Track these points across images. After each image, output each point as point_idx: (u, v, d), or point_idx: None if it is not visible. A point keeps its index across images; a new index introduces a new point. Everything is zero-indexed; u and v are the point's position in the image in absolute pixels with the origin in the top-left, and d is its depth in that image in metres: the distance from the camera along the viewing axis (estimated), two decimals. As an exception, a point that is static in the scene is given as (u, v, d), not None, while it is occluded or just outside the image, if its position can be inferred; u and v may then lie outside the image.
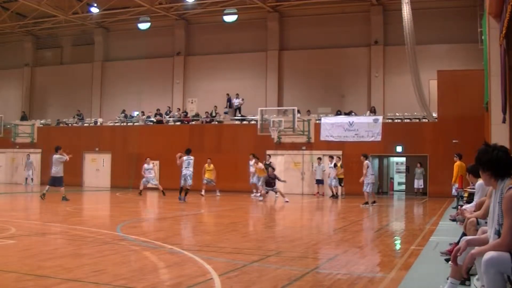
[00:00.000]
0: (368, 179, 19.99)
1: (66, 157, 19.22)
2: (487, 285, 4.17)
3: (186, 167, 20.02)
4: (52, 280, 5.98)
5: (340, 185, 25.02)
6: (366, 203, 19.79)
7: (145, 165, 24.41)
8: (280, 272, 6.84)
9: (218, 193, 24.69)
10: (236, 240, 10.36)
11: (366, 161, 20.14)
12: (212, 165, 24.52)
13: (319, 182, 26.19)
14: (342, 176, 24.84)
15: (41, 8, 32.49)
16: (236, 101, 31.34)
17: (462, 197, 14.39)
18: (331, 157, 25.48)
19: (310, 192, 27.53)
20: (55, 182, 19.09)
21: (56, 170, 19.06)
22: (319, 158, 26.24)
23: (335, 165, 24.80)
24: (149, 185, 24.40)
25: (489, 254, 4.16)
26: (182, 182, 20.02)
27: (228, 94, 33.14)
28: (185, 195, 20.01)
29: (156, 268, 7.09)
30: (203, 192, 23.69)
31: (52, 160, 19.34)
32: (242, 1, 31.53)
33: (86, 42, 38.00)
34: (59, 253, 7.93)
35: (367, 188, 19.97)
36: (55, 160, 19.20)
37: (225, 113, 32.29)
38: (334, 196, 24.58)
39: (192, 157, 20.31)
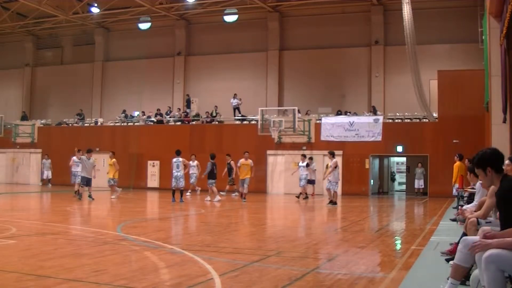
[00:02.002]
0: (335, 178, 19.76)
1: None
2: (488, 283, 4.18)
3: (176, 169, 19.88)
4: (53, 280, 5.98)
5: None
6: (332, 202, 19.55)
7: (74, 158, 22.50)
8: (281, 272, 6.84)
9: (113, 196, 21.20)
10: (236, 240, 10.37)
11: (335, 159, 19.94)
12: (113, 160, 21.49)
13: (311, 182, 24.98)
14: None
15: (41, 8, 32.48)
16: (234, 101, 31.34)
17: (462, 197, 14.40)
18: (304, 156, 24.47)
19: (309, 192, 27.49)
20: (89, 182, 20.04)
21: (89, 171, 19.92)
22: (311, 158, 25.15)
23: (307, 165, 23.84)
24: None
25: (490, 251, 4.19)
26: (174, 184, 19.94)
27: (188, 95, 33.34)
28: (181, 195, 20.02)
29: (157, 268, 7.09)
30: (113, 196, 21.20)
31: (86, 162, 19.96)
32: (243, 1, 31.53)
33: (87, 42, 38.02)
34: (59, 253, 7.94)
35: (335, 187, 19.76)
36: (88, 163, 19.95)
37: (186, 114, 32.49)
38: (302, 197, 23.23)
39: (180, 159, 20.03)
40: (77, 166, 21.93)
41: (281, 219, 16.15)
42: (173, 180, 19.85)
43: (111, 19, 35.76)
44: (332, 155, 20.07)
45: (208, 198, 21.00)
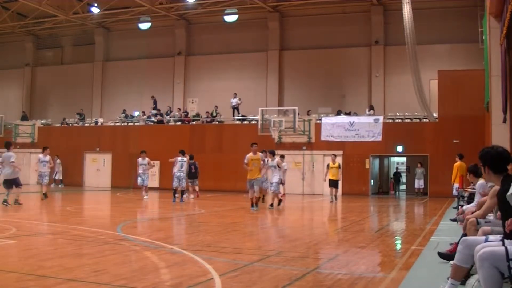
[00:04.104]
0: (276, 178, 17.92)
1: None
2: (483, 280, 4.21)
3: (179, 169, 20.03)
4: (53, 280, 5.98)
5: (336, 187, 21.88)
6: (278, 202, 17.95)
7: (40, 156, 19.98)
8: (281, 272, 6.84)
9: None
10: (236, 240, 10.37)
11: (277, 159, 18.43)
12: None
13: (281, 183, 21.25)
14: (334, 178, 21.81)
15: (41, 8, 32.48)
16: (233, 101, 31.35)
17: (463, 197, 14.40)
18: (263, 151, 19.33)
19: (310, 192, 27.54)
20: (14, 184, 16.38)
21: (11, 171, 16.34)
22: (282, 156, 21.65)
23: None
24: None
25: (483, 249, 4.23)
26: (176, 184, 20.01)
27: (153, 97, 33.34)
28: (182, 196, 20.08)
29: (157, 268, 7.09)
30: None
31: (5, 159, 16.53)
32: (243, 1, 31.54)
33: (87, 42, 38.03)
34: (59, 253, 7.94)
35: (277, 188, 18.07)
36: (8, 158, 16.36)
37: (155, 115, 32.63)
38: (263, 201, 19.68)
39: (185, 159, 20.27)
40: (43, 166, 19.51)
41: (281, 219, 16.14)
42: (175, 180, 19.98)
43: (111, 19, 35.76)
44: (273, 154, 18.24)
45: (192, 196, 21.37)
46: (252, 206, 16.63)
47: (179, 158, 20.21)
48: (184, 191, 20.86)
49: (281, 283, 6.17)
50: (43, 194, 19.08)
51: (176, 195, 20.08)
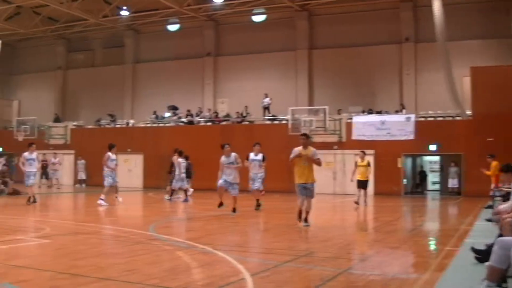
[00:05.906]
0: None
1: None
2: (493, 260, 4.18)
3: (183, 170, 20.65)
4: (86, 278, 6.05)
5: (364, 188, 19.38)
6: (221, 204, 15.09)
7: (25, 154, 17.63)
8: (313, 273, 6.79)
9: None
10: (267, 240, 10.34)
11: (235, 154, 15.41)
12: None
13: None
14: (364, 178, 19.25)
15: (71, 12, 33.05)
16: (264, 101, 31.36)
17: (496, 196, 14.09)
18: (258, 144, 17.88)
19: (342, 192, 27.33)
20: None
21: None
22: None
23: (264, 159, 18.03)
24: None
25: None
26: (181, 184, 20.64)
27: (169, 106, 33.57)
28: (187, 195, 20.69)
29: (188, 268, 7.11)
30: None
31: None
32: (271, 0, 31.51)
33: (117, 44, 38.52)
34: (92, 252, 8.03)
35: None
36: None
37: (178, 117, 33.05)
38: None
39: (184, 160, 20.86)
40: (30, 165, 17.55)
41: (312, 219, 16.04)
42: (180, 180, 20.64)
43: (140, 21, 36.15)
44: (223, 147, 15.53)
45: (180, 195, 21.57)
46: (306, 220, 12.33)
47: (181, 160, 20.74)
48: (174, 192, 20.93)
49: (313, 283, 6.12)
50: (30, 197, 17.17)
51: (180, 196, 20.97)
